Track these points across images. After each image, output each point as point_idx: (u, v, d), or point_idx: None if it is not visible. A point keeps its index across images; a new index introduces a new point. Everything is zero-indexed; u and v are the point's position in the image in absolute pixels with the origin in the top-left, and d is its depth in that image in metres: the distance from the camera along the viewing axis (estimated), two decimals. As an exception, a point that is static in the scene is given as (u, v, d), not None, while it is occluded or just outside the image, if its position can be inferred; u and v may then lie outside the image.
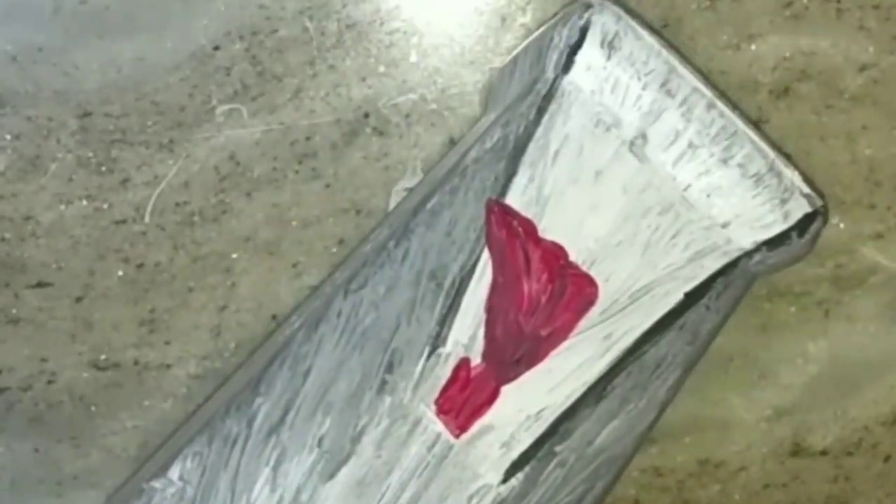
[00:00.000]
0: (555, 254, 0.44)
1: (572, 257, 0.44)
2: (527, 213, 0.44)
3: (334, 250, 0.50)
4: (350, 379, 0.44)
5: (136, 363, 0.50)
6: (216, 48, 0.49)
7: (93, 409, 0.50)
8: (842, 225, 0.52)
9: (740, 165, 0.44)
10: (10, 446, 0.50)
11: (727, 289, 0.46)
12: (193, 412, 0.49)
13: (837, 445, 0.53)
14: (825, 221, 0.46)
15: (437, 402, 0.44)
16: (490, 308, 0.44)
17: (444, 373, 0.44)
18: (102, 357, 0.50)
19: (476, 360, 0.44)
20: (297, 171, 0.50)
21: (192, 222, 0.50)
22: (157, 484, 0.44)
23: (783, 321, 0.52)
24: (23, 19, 0.48)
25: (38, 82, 0.49)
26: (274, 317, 0.50)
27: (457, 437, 0.44)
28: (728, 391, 0.52)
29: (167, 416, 0.50)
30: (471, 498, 0.44)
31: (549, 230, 0.44)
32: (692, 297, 0.45)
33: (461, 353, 0.44)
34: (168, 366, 0.50)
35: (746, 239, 0.45)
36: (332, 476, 0.44)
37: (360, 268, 0.45)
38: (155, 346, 0.50)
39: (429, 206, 0.44)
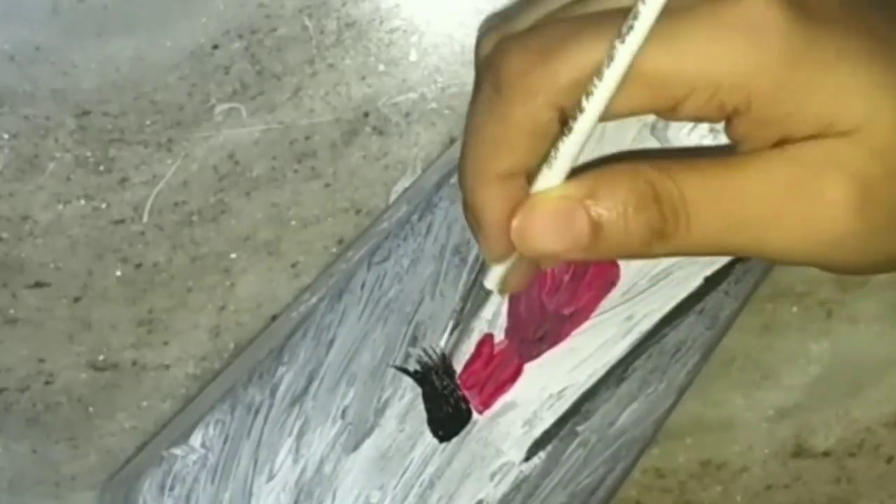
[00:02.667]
0: None
1: None
2: None
3: (334, 250, 0.50)
4: (374, 351, 0.44)
5: (134, 363, 0.50)
6: (215, 47, 0.49)
7: (91, 409, 0.50)
8: (844, 224, 0.51)
9: None
10: (7, 447, 0.50)
11: (746, 274, 0.46)
12: (211, 380, 0.49)
13: (840, 446, 0.53)
14: None
15: (460, 377, 0.44)
16: None
17: (468, 348, 0.44)
18: (100, 357, 0.50)
19: (499, 336, 0.44)
20: (296, 171, 0.50)
21: (190, 222, 0.50)
22: (177, 451, 0.44)
23: (785, 321, 0.52)
24: (21, 18, 0.48)
25: (36, 81, 0.49)
26: (273, 317, 0.50)
27: (480, 413, 0.44)
28: (730, 392, 0.52)
29: (166, 416, 0.50)
30: (493, 475, 0.44)
31: None
32: (711, 282, 0.45)
33: (484, 329, 0.44)
34: (167, 366, 0.50)
35: None
36: (355, 448, 0.44)
37: (382, 241, 0.45)
38: (153, 347, 0.50)
39: (452, 180, 0.44)
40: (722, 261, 0.45)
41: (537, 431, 0.45)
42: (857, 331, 0.52)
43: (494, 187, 0.36)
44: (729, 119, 0.35)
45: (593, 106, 0.34)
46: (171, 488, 0.44)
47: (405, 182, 0.50)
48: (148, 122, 0.49)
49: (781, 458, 0.53)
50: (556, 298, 0.44)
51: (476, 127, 0.36)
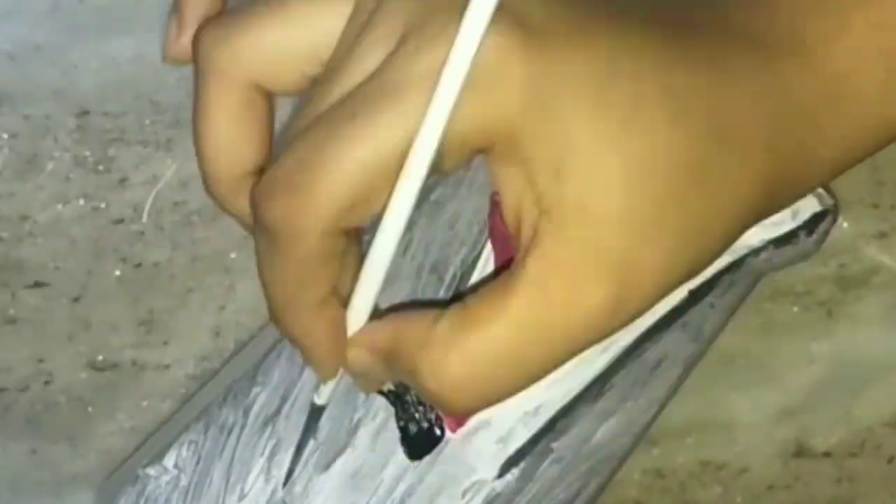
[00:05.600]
0: None
1: None
2: None
3: (334, 250, 0.50)
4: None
5: (134, 363, 0.50)
6: (215, 46, 0.49)
7: (90, 409, 0.50)
8: (845, 224, 0.51)
9: None
10: (6, 447, 0.50)
11: (732, 286, 0.46)
12: (188, 399, 0.49)
13: (841, 447, 0.53)
14: (834, 220, 0.46)
15: None
16: None
17: None
18: (100, 357, 0.50)
19: None
20: (296, 171, 0.50)
21: (190, 222, 0.50)
22: (151, 471, 0.44)
23: (785, 321, 0.52)
24: (20, 17, 0.48)
25: (36, 81, 0.48)
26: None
27: (454, 431, 0.44)
28: (730, 392, 0.52)
29: (166, 416, 0.50)
30: (465, 492, 0.45)
31: None
32: (696, 295, 0.45)
33: None
34: (166, 366, 0.50)
35: (754, 237, 0.45)
36: (326, 467, 0.44)
37: None
38: (153, 347, 0.50)
39: (432, 197, 0.44)
40: (707, 273, 0.45)
41: (511, 448, 0.45)
42: (857, 331, 0.52)
43: (308, 319, 0.35)
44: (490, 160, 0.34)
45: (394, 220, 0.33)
46: None
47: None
48: (148, 122, 0.49)
49: (782, 458, 0.53)
50: None
51: (265, 269, 0.35)
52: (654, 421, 0.47)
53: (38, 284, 0.49)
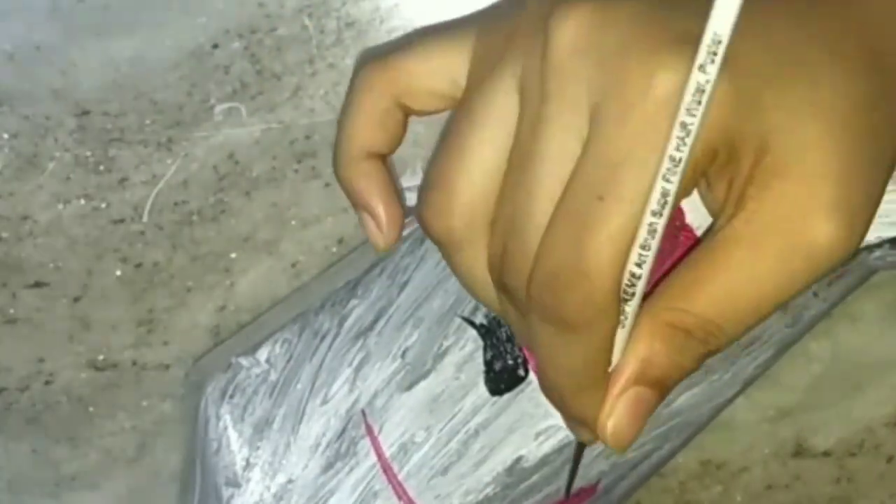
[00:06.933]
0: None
1: (688, 220, 0.43)
2: None
3: (334, 250, 0.50)
4: (444, 299, 0.44)
5: (134, 363, 0.50)
6: (215, 46, 0.49)
7: (91, 409, 0.50)
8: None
9: None
10: (7, 447, 0.50)
11: (840, 279, 0.45)
12: (287, 296, 0.50)
13: (840, 446, 0.53)
14: None
15: None
16: None
17: None
18: (100, 357, 0.50)
19: None
20: (296, 171, 0.50)
21: (190, 222, 0.50)
22: (244, 361, 0.45)
23: (785, 321, 0.52)
24: (20, 17, 0.48)
25: (36, 81, 0.48)
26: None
27: (536, 373, 0.44)
28: (730, 392, 0.52)
29: (166, 416, 0.50)
30: (539, 434, 0.44)
31: None
32: None
33: None
34: (167, 366, 0.50)
35: (871, 233, 0.44)
36: (409, 388, 0.45)
37: None
38: (153, 347, 0.50)
39: None
40: None
41: None
42: (857, 330, 0.52)
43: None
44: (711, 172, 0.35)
45: (645, 272, 0.34)
46: (232, 396, 0.45)
47: (406, 181, 0.50)
48: (148, 122, 0.49)
49: (782, 457, 0.53)
50: None
51: (560, 363, 0.36)
52: (736, 399, 0.47)
53: (38, 284, 0.49)
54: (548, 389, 0.37)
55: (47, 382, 0.50)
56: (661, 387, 0.36)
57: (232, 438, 0.45)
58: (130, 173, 0.49)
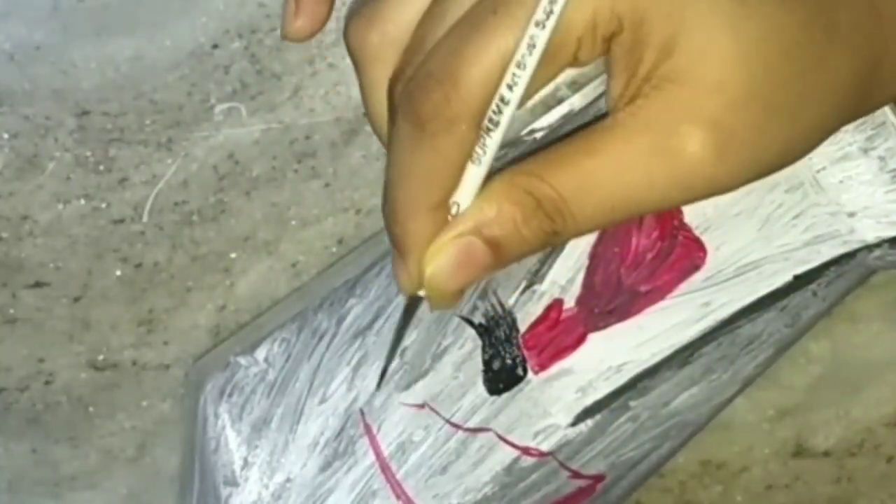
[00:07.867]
0: (670, 213, 0.43)
1: (687, 220, 0.44)
2: None
3: (334, 250, 0.50)
4: None
5: (134, 363, 0.50)
6: (215, 46, 0.49)
7: (91, 409, 0.50)
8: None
9: (881, 158, 0.43)
10: (7, 447, 0.50)
11: (839, 278, 0.45)
12: (286, 297, 0.50)
13: (840, 446, 0.53)
14: None
15: (523, 336, 0.44)
16: (594, 255, 0.44)
17: (536, 310, 0.44)
18: (100, 357, 0.50)
19: (569, 303, 0.44)
20: (296, 171, 0.50)
21: (190, 222, 0.50)
22: (242, 360, 0.46)
23: (785, 321, 0.52)
24: (20, 17, 0.48)
25: (36, 81, 0.49)
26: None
27: (535, 373, 0.44)
28: (730, 392, 0.52)
29: (166, 416, 0.50)
30: (537, 434, 0.44)
31: None
32: (801, 281, 0.44)
33: (556, 294, 0.44)
34: (167, 366, 0.50)
35: (870, 232, 0.44)
36: (407, 387, 0.45)
37: None
38: (153, 346, 0.50)
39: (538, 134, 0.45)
40: (816, 260, 0.44)
41: (589, 399, 0.44)
42: (857, 330, 0.52)
43: (425, 219, 0.37)
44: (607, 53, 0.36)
45: (515, 98, 0.35)
46: (230, 395, 0.45)
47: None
48: (148, 122, 0.49)
49: (782, 457, 0.53)
50: (635, 274, 0.44)
51: (404, 163, 0.36)
52: (735, 398, 0.47)
53: (38, 284, 0.49)
54: (387, 203, 0.37)
55: (47, 382, 0.50)
56: (496, 250, 0.36)
57: (230, 437, 0.45)
58: (130, 173, 0.49)
